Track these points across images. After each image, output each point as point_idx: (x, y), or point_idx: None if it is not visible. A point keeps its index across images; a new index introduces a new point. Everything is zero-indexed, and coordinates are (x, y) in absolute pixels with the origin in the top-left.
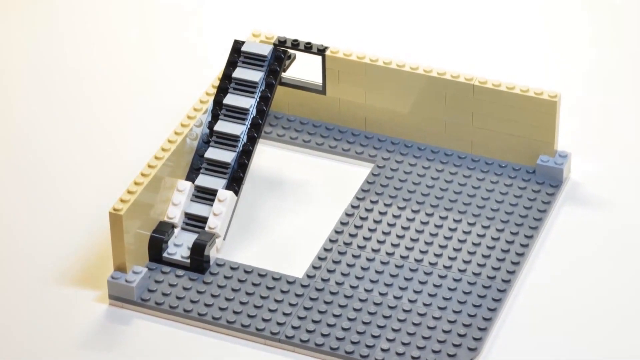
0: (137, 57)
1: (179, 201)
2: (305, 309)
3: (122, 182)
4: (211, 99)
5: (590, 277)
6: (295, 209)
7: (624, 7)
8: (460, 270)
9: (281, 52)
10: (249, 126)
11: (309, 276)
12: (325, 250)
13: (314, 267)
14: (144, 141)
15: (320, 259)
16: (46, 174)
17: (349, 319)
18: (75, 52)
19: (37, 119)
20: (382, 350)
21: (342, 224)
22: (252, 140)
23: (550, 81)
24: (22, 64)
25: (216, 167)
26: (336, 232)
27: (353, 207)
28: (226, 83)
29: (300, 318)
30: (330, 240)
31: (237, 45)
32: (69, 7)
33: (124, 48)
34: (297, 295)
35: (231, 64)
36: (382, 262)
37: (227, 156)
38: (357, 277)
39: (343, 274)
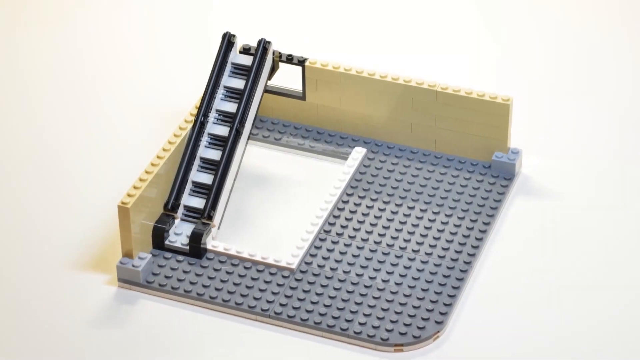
0: (139, 67)
1: None
2: (292, 288)
3: (128, 179)
4: (212, 105)
5: (539, 258)
6: (279, 201)
7: (565, 18)
8: (427, 254)
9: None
10: (235, 128)
11: (293, 256)
12: (307, 236)
13: (298, 251)
14: (147, 143)
15: (303, 243)
16: (63, 173)
17: (330, 297)
18: (85, 62)
19: (58, 126)
20: (360, 324)
21: (321, 214)
22: (235, 140)
23: (504, 86)
24: (40, 73)
25: (209, 165)
26: (316, 220)
27: (330, 199)
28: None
29: (287, 297)
30: (312, 225)
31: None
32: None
33: (128, 58)
34: (283, 277)
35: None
36: (358, 247)
37: (217, 155)
38: (336, 261)
39: (324, 258)
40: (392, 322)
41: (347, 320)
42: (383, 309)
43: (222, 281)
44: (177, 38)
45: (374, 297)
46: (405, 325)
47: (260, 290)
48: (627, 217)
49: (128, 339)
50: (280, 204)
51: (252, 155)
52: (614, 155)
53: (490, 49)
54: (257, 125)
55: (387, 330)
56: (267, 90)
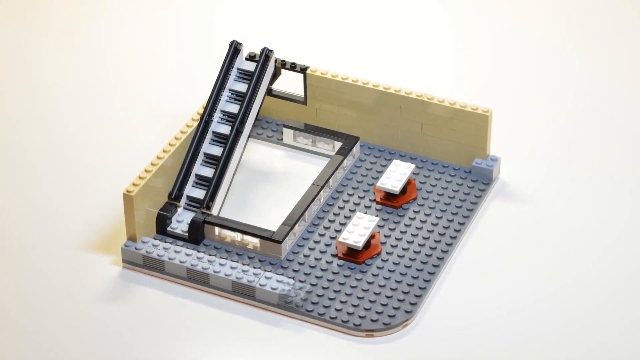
0: (148, 71)
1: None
2: (278, 275)
3: (137, 170)
4: (217, 106)
5: (511, 259)
6: (280, 194)
7: (544, 34)
8: (404, 249)
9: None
10: (236, 127)
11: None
12: (297, 228)
13: (287, 242)
14: (157, 139)
15: (292, 234)
16: (75, 164)
17: (312, 285)
18: (104, 69)
19: (77, 125)
20: (336, 310)
21: (312, 208)
22: (236, 138)
23: (485, 98)
24: (64, 82)
25: (211, 160)
26: (306, 214)
27: (322, 195)
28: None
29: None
30: (302, 219)
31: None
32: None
33: (143, 64)
34: (271, 264)
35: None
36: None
37: (219, 151)
38: (320, 252)
39: (310, 249)
40: (365, 309)
41: (324, 306)
42: (358, 297)
43: (219, 265)
44: (187, 46)
45: (351, 286)
46: (377, 313)
47: (254, 274)
48: (596, 220)
49: (130, 314)
50: (280, 196)
51: (257, 153)
52: (585, 163)
53: (476, 63)
54: (262, 126)
55: (360, 317)
56: (272, 95)
